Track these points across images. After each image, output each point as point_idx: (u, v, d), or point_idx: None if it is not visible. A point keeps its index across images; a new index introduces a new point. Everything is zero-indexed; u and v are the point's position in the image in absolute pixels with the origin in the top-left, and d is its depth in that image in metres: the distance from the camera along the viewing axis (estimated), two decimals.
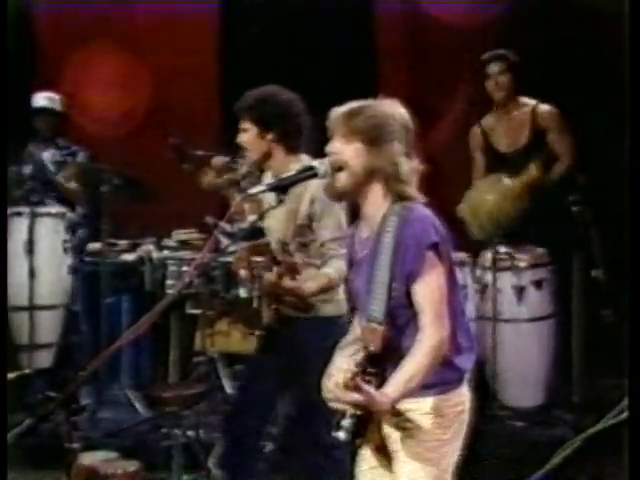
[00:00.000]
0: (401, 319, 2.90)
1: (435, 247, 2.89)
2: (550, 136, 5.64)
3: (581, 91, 5.93)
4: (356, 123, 2.93)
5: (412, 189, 2.95)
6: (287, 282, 3.93)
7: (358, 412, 2.82)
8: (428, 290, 2.88)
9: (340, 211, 3.96)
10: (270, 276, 3.93)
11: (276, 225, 4.07)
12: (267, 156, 4.11)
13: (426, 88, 6.28)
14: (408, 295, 2.89)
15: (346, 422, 2.82)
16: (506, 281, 5.41)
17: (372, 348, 2.82)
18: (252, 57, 6.60)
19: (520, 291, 5.41)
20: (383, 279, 2.86)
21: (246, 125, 4.10)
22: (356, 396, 2.79)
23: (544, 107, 5.67)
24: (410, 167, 2.94)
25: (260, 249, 4.02)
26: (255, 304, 4.06)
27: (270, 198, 3.50)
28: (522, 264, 5.43)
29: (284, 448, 4.63)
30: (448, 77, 6.41)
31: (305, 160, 3.89)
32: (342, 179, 2.96)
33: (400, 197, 2.94)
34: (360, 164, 2.94)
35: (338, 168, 2.96)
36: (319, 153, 3.18)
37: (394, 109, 2.97)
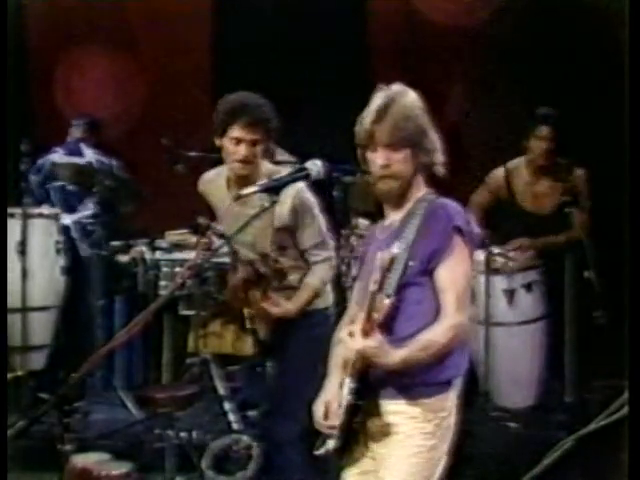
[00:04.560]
0: (407, 299, 2.89)
1: (460, 231, 2.89)
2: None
3: (575, 91, 5.92)
4: (402, 132, 2.94)
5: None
6: (273, 310, 4.01)
7: (342, 434, 2.88)
8: (452, 274, 2.88)
9: (319, 215, 4.03)
10: (256, 296, 4.02)
11: (255, 235, 4.04)
12: None
13: (420, 87, 6.27)
14: (422, 274, 2.88)
15: (331, 444, 2.89)
16: (497, 285, 5.40)
17: (375, 316, 2.82)
18: (245, 57, 6.60)
19: (511, 294, 5.40)
20: (401, 255, 2.85)
21: None
22: (368, 342, 2.80)
23: (579, 172, 5.51)
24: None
25: (252, 280, 4.06)
26: (248, 325, 4.14)
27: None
28: (513, 267, 5.43)
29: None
30: (442, 76, 6.41)
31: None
32: (395, 186, 2.97)
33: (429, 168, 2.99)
34: (410, 168, 2.96)
35: (389, 177, 2.96)
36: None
37: (413, 99, 3.01)
